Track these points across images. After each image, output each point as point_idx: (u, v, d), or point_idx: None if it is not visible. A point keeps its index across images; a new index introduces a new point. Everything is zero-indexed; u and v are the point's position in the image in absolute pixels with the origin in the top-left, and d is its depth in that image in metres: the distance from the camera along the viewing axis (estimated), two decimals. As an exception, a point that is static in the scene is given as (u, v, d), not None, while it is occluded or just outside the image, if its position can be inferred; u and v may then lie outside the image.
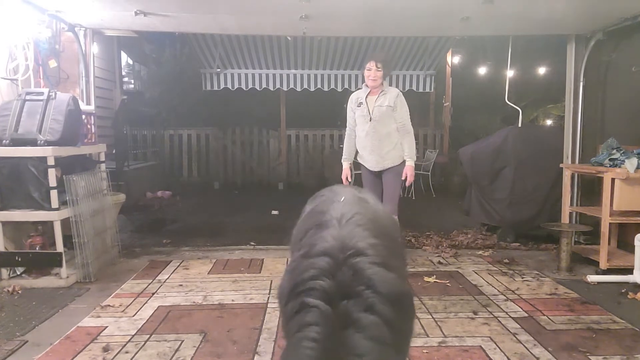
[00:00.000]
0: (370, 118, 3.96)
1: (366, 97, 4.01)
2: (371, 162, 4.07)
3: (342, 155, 4.32)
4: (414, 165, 4.00)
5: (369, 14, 4.27)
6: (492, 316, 3.21)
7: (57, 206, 3.72)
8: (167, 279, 4.01)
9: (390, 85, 6.52)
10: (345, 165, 4.22)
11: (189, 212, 7.30)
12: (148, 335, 2.90)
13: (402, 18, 4.47)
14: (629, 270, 3.87)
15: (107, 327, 3.03)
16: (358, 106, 4.05)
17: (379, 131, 3.98)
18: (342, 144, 4.38)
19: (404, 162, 4.03)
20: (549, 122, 10.25)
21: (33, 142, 3.68)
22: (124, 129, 7.97)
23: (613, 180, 3.97)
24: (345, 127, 4.30)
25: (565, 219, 4.85)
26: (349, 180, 4.18)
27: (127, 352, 2.69)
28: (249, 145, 10.22)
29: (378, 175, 4.11)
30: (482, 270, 4.27)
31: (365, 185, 4.16)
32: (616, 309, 3.33)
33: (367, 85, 4.01)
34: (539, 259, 4.66)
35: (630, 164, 3.96)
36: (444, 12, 4.23)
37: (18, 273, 3.85)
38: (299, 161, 10.34)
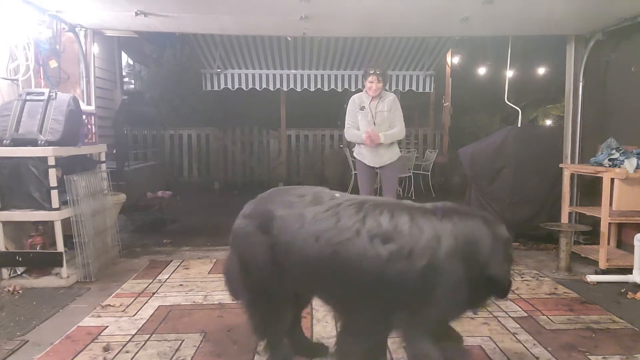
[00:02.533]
0: (374, 122, 4.36)
1: (369, 102, 4.39)
2: (371, 159, 4.41)
3: (348, 147, 4.61)
4: (381, 139, 4.26)
5: (369, 14, 4.28)
6: (491, 316, 3.22)
7: (57, 206, 3.73)
8: (167, 278, 4.02)
9: (390, 87, 6.94)
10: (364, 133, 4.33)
11: (189, 212, 7.30)
12: (148, 335, 2.91)
13: (402, 18, 4.48)
14: (629, 270, 3.87)
15: (107, 326, 3.03)
16: (361, 109, 4.41)
17: (380, 133, 4.33)
18: (342, 144, 4.60)
19: (400, 157, 4.53)
20: (548, 122, 10.26)
21: (34, 142, 3.69)
22: (125, 129, 7.98)
23: (612, 180, 3.98)
24: (346, 128, 4.58)
25: (564, 218, 4.85)
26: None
27: (127, 352, 2.69)
28: (249, 145, 10.22)
29: (375, 170, 4.49)
30: (482, 270, 4.27)
31: (361, 179, 4.53)
32: (615, 309, 3.34)
33: (367, 92, 4.39)
34: (538, 259, 4.67)
35: (630, 164, 3.97)
36: (443, 12, 4.24)
37: (19, 273, 3.86)
38: (299, 161, 10.34)
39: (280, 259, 2.15)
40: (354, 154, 4.60)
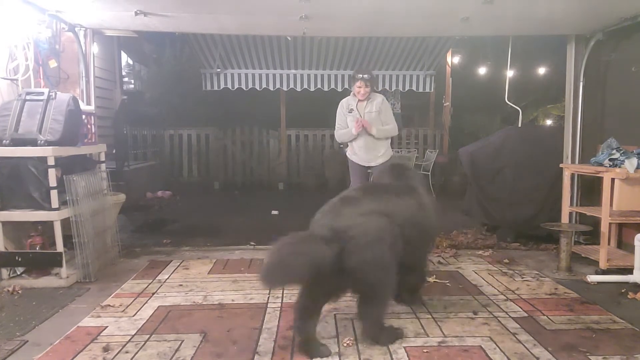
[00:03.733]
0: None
1: (357, 104, 4.55)
2: (364, 159, 4.58)
3: (342, 146, 4.88)
4: (374, 131, 4.46)
5: (369, 14, 4.27)
6: (492, 316, 3.21)
7: (57, 206, 3.72)
8: (167, 279, 4.02)
9: (390, 87, 7.14)
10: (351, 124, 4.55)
11: (189, 212, 7.30)
12: (148, 335, 2.91)
13: (402, 18, 4.47)
14: (629, 270, 3.87)
15: (107, 327, 3.03)
16: (349, 112, 4.57)
17: (369, 134, 4.50)
18: (342, 144, 4.73)
19: (392, 157, 4.66)
20: (548, 122, 10.27)
21: (33, 142, 3.68)
22: (124, 129, 7.99)
23: (613, 180, 3.98)
24: (335, 130, 4.78)
25: (565, 219, 4.85)
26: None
27: (127, 352, 2.69)
28: (249, 145, 10.22)
29: (367, 169, 4.63)
30: (482, 270, 4.27)
31: (354, 177, 4.66)
32: (616, 309, 3.33)
33: (355, 95, 4.54)
34: (538, 259, 4.66)
35: (630, 164, 3.96)
36: (444, 12, 4.23)
37: (18, 273, 3.85)
38: (299, 161, 10.34)
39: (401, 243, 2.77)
40: (347, 154, 4.73)
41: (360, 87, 4.45)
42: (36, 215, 3.74)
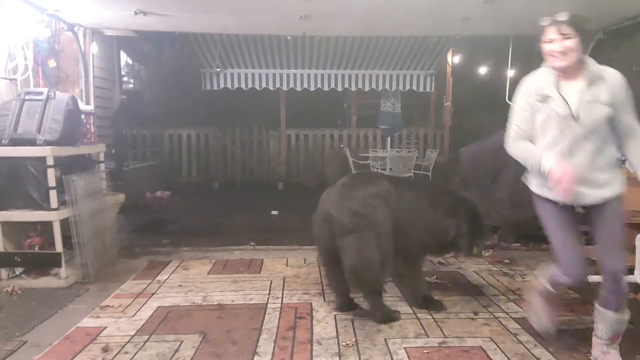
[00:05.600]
0: (576, 119, 2.36)
1: (559, 86, 2.40)
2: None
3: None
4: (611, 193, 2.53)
5: (369, 13, 4.27)
6: (492, 316, 3.20)
7: (56, 206, 3.71)
8: (166, 279, 4.00)
9: (390, 87, 6.58)
10: (550, 161, 2.40)
11: (188, 212, 7.28)
12: (147, 336, 2.89)
13: (403, 17, 4.47)
14: (630, 271, 3.85)
15: (106, 327, 3.02)
16: (542, 101, 2.43)
17: (589, 143, 2.40)
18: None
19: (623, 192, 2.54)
20: (549, 121, 10.21)
21: (32, 142, 3.67)
22: (124, 128, 7.97)
23: (614, 180, 3.96)
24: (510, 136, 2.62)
25: (565, 219, 4.82)
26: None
27: (126, 353, 2.68)
28: (249, 145, 10.21)
29: (575, 211, 2.64)
30: (483, 270, 4.26)
31: (550, 224, 2.70)
32: (617, 310, 3.31)
33: (552, 65, 2.40)
34: (539, 260, 4.64)
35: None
36: (444, 11, 4.23)
37: (17, 273, 3.85)
38: (299, 161, 10.32)
39: None
40: (531, 184, 2.78)
41: (552, 42, 2.32)
42: (35, 216, 3.73)
